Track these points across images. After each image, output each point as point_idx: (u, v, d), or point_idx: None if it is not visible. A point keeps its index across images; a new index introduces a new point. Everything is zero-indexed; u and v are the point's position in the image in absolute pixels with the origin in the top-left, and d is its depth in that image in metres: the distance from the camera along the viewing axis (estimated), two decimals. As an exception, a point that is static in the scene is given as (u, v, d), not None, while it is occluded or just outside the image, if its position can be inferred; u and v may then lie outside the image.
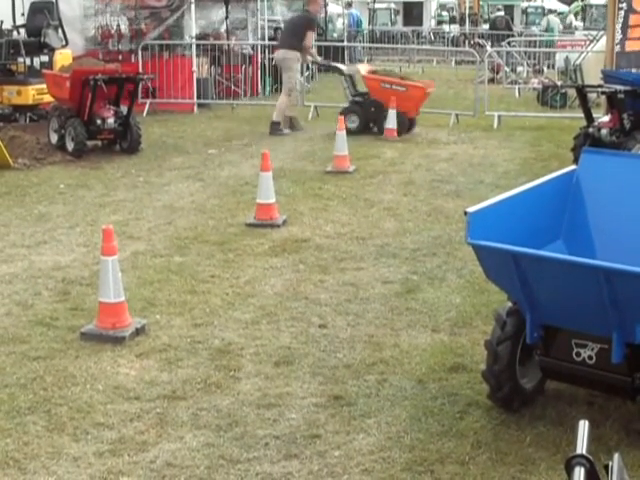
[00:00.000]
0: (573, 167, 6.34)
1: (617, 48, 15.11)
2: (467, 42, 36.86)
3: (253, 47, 23.57)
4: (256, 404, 5.77)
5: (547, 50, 27.97)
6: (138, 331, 6.92)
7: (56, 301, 7.75)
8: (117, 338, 6.80)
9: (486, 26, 42.20)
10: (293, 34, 17.31)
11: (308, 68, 24.20)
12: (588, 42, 22.58)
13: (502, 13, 38.42)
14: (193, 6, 21.08)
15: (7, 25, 18.83)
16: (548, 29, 34.05)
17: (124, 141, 15.07)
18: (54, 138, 15.03)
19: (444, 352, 6.60)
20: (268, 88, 23.55)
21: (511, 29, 35.36)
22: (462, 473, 4.96)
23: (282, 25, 28.28)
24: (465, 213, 5.28)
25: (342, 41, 33.21)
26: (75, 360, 6.48)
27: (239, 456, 5.13)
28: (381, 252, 9.13)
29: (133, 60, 21.02)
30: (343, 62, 30.42)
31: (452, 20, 47.06)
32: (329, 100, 20.90)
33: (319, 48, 27.10)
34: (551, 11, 42.22)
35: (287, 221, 10.22)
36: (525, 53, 27.64)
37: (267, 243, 9.42)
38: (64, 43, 18.98)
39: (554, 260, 5.12)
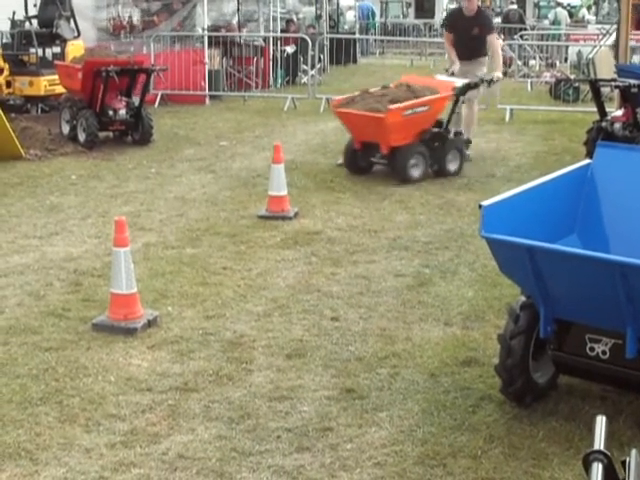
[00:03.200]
0: (587, 161, 6.31)
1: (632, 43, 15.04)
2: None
3: (265, 39, 23.54)
4: (268, 396, 5.76)
5: (559, 44, 27.88)
6: (150, 323, 6.92)
7: (68, 292, 7.75)
8: (129, 329, 6.80)
9: (498, 19, 42.09)
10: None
11: (320, 60, 24.17)
12: (601, 36, 22.48)
13: (515, 6, 38.20)
14: (205, -2, 21.10)
15: (19, 16, 18.84)
16: (555, 22, 33.90)
17: (136, 132, 15.08)
18: (66, 129, 15.05)
19: (456, 346, 6.58)
20: (280, 80, 23.51)
21: (524, 22, 35.21)
22: (475, 467, 4.95)
23: (293, 17, 28.28)
24: (479, 206, 5.25)
25: (354, 33, 33.16)
26: (87, 351, 6.48)
27: (251, 448, 5.13)
28: (393, 245, 9.11)
29: (145, 51, 21.01)
30: (355, 54, 30.50)
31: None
32: (340, 92, 20.82)
33: (331, 40, 27.15)
34: (559, 4, 42.01)
35: (299, 213, 10.21)
36: (537, 46, 27.55)
37: (279, 235, 9.41)
38: (76, 34, 19.01)
39: (569, 254, 5.09)
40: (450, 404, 5.68)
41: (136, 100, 15.04)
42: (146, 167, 13.06)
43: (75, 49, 18.04)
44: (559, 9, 36.80)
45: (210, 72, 20.89)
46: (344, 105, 12.28)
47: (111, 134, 15.30)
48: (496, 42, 13.84)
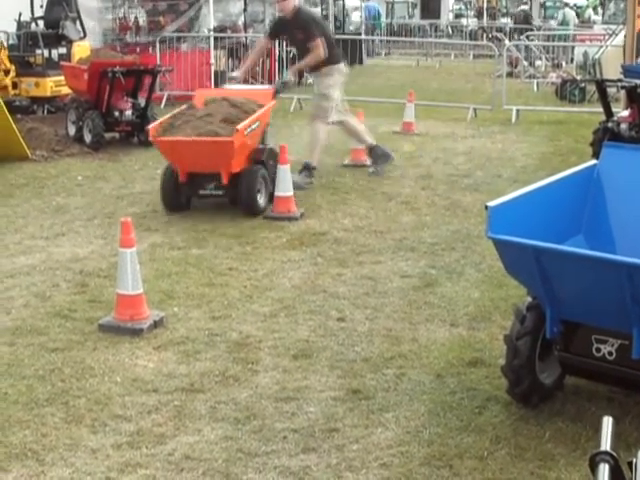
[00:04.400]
0: (594, 161, 6.30)
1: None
2: (485, 36, 36.77)
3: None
4: (274, 397, 5.76)
5: (566, 44, 27.87)
6: (156, 323, 6.92)
7: (74, 293, 7.76)
8: (135, 330, 6.80)
9: (504, 20, 42.10)
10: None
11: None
12: (607, 36, 22.45)
13: (527, 7, 38.28)
14: (211, -1, 21.11)
15: (26, 17, 18.88)
16: (564, 22, 33.89)
17: (142, 133, 15.07)
18: (72, 130, 15.07)
19: (462, 347, 6.58)
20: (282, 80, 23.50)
21: (529, 22, 35.23)
22: (481, 468, 4.94)
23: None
24: (486, 207, 5.25)
25: (359, 34, 33.16)
26: (93, 352, 6.48)
27: (257, 449, 5.12)
28: (399, 246, 9.11)
29: (151, 52, 21.03)
30: (360, 55, 30.49)
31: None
32: (346, 93, 20.80)
33: (337, 41, 27.12)
34: (567, 4, 42.03)
35: (305, 214, 10.21)
36: (544, 47, 27.54)
37: (285, 236, 9.41)
38: (82, 35, 19.05)
39: (575, 255, 5.09)
40: (456, 405, 5.67)
41: (142, 101, 15.06)
42: (152, 168, 13.05)
43: (81, 50, 18.07)
44: (567, 9, 36.78)
45: (216, 73, 20.91)
46: (164, 132, 10.17)
47: (117, 135, 15.32)
48: (319, 50, 11.65)
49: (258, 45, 12.94)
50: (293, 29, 11.87)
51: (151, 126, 10.35)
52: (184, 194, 10.41)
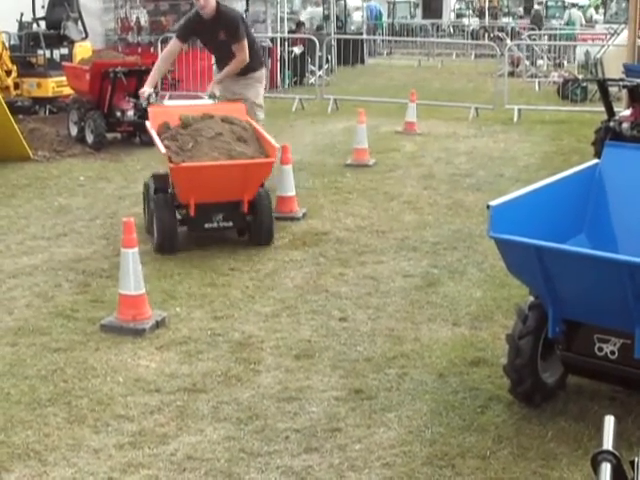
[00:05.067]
0: (596, 161, 6.30)
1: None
2: (487, 35, 36.77)
3: (272, 40, 23.55)
4: (276, 397, 5.76)
5: (567, 43, 27.89)
6: (158, 323, 6.92)
7: (76, 293, 7.76)
8: (137, 330, 6.80)
9: (506, 19, 42.11)
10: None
11: (328, 61, 24.17)
12: (609, 36, 22.45)
13: (540, 7, 38.31)
14: (213, -1, 21.07)
15: (27, 18, 18.89)
16: (569, 22, 33.90)
17: (143, 134, 15.07)
18: (74, 130, 15.08)
19: (465, 346, 6.58)
20: (287, 81, 23.52)
21: (542, 22, 35.26)
22: (483, 468, 4.94)
23: (301, 18, 28.30)
24: (488, 207, 5.25)
25: (361, 34, 33.16)
26: (95, 352, 6.49)
27: (259, 449, 5.13)
28: (401, 245, 9.11)
29: (152, 53, 21.04)
30: (362, 55, 30.49)
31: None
32: (348, 93, 20.89)
33: (338, 41, 27.14)
34: (574, 5, 42.03)
35: (307, 214, 10.20)
36: (545, 46, 27.54)
37: (287, 236, 9.40)
38: (84, 35, 19.05)
39: (577, 254, 5.08)
40: (459, 404, 5.67)
41: (144, 101, 15.05)
42: (154, 168, 12.99)
43: (83, 50, 18.08)
44: (574, 10, 36.77)
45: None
46: (181, 158, 8.62)
47: (119, 135, 15.32)
48: (244, 53, 10.35)
49: (167, 52, 10.80)
50: (215, 29, 10.31)
51: (164, 151, 8.60)
52: (190, 229, 9.14)
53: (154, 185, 9.07)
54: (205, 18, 10.22)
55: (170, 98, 11.00)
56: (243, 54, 10.35)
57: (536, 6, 41.02)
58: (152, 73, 10.53)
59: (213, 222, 8.84)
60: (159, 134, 9.07)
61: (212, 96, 10.25)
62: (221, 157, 8.69)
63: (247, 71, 10.63)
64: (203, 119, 9.20)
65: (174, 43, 10.52)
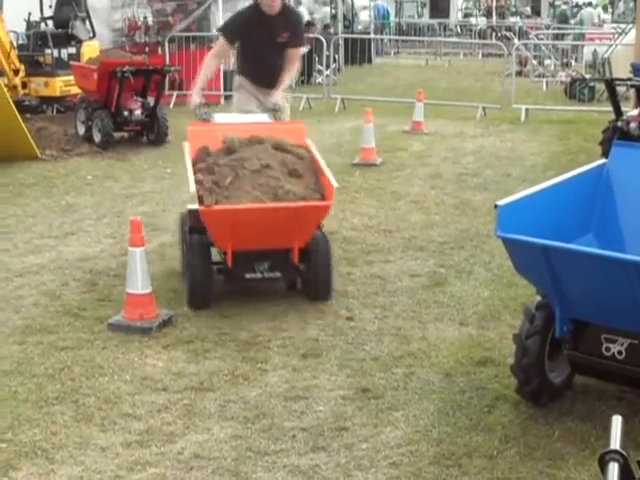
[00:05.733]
0: (603, 161, 6.29)
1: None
2: (494, 35, 36.73)
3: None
4: (283, 396, 5.76)
5: (575, 43, 27.84)
6: (165, 322, 6.93)
7: (84, 292, 7.77)
8: (144, 329, 6.81)
9: (513, 19, 42.05)
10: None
11: (335, 60, 24.16)
12: (617, 35, 22.42)
13: (566, 7, 38.24)
14: (220, -2, 21.14)
15: (35, 17, 18.91)
16: (580, 22, 33.84)
17: (151, 133, 15.12)
18: (81, 129, 15.12)
19: (472, 345, 6.58)
20: (294, 80, 23.51)
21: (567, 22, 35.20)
22: (490, 467, 4.93)
23: (310, 18, 28.26)
24: (495, 206, 5.24)
25: (368, 33, 33.13)
26: (102, 351, 6.49)
27: (266, 448, 5.13)
28: (408, 245, 9.11)
29: (160, 52, 21.06)
30: (370, 54, 30.46)
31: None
32: (355, 93, 20.88)
33: (345, 40, 27.13)
34: (589, 3, 41.99)
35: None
36: (553, 46, 27.51)
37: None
38: (91, 35, 19.07)
39: (584, 254, 5.08)
40: (465, 404, 5.67)
41: (151, 101, 15.07)
42: (161, 167, 13.08)
43: (90, 50, 18.11)
44: (589, 9, 36.64)
45: (225, 72, 20.91)
46: (212, 196, 7.01)
47: (126, 134, 15.34)
48: (297, 60, 8.88)
49: (214, 56, 8.98)
50: (278, 28, 8.50)
51: (193, 189, 7.02)
52: (226, 280, 7.61)
53: (189, 223, 7.52)
54: (268, 14, 8.47)
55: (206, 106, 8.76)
56: (295, 61, 8.86)
57: (563, 6, 40.93)
58: (198, 80, 8.74)
59: (256, 272, 7.31)
60: (195, 162, 7.43)
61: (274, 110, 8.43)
62: (264, 197, 7.08)
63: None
64: (251, 144, 7.54)
65: (222, 45, 8.80)
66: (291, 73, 8.80)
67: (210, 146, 7.61)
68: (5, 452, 5.11)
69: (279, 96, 8.51)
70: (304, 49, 9.22)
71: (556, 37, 30.06)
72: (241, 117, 8.39)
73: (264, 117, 8.37)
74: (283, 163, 7.39)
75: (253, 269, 7.29)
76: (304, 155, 7.61)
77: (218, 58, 8.95)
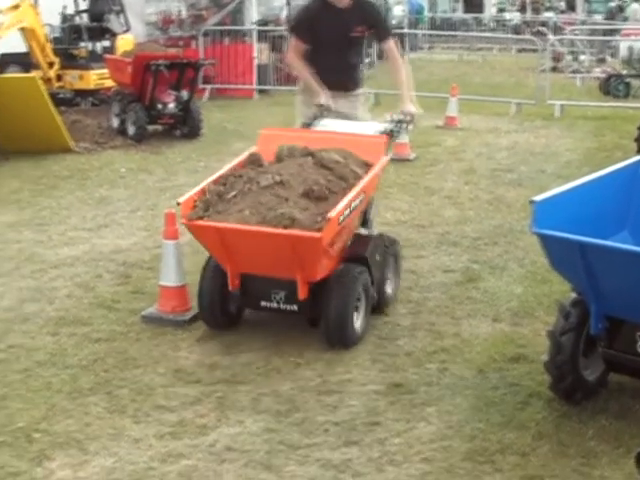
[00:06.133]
0: (639, 157, 6.24)
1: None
2: (529, 30, 36.54)
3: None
4: (316, 390, 5.76)
5: (610, 39, 27.63)
6: (198, 315, 6.93)
7: (117, 284, 7.80)
8: (177, 322, 6.83)
9: (548, 14, 41.82)
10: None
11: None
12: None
13: (614, 4, 37.90)
14: (254, -8, 21.16)
15: (70, 10, 19.00)
16: (626, 18, 33.54)
17: (184, 126, 15.15)
18: (115, 122, 15.18)
19: (505, 342, 6.54)
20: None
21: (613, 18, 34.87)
22: (523, 464, 4.91)
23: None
24: (531, 202, 5.21)
25: (402, 28, 33.03)
26: (136, 343, 6.52)
27: (299, 442, 5.13)
28: (442, 240, 9.08)
29: (194, 46, 21.10)
30: (404, 50, 30.38)
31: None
32: (389, 87, 20.79)
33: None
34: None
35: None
36: (587, 41, 27.32)
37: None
38: (126, 28, 19.13)
39: (621, 251, 5.03)
40: (499, 400, 5.64)
41: (185, 94, 15.10)
42: (195, 161, 13.11)
43: (125, 43, 18.16)
44: (635, 5, 36.28)
45: (259, 66, 20.95)
46: (206, 209, 6.46)
47: (160, 128, 15.38)
48: (396, 51, 7.93)
49: (297, 59, 7.74)
50: (348, 23, 7.62)
51: (183, 199, 6.51)
52: (232, 303, 6.83)
53: None
54: (338, 7, 7.61)
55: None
56: (397, 54, 7.94)
57: (616, 1, 40.59)
58: (311, 82, 7.59)
59: (272, 301, 6.56)
60: (237, 168, 6.89)
61: (401, 122, 7.50)
62: (252, 218, 6.20)
63: (357, 84, 8.10)
64: (296, 156, 6.81)
65: (296, 45, 7.73)
66: (402, 70, 7.89)
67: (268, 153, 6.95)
68: (39, 442, 5.15)
69: (410, 103, 7.66)
70: (394, 40, 7.85)
71: (592, 33, 29.77)
72: (349, 125, 7.52)
73: (376, 127, 7.40)
74: (308, 182, 6.42)
75: (269, 297, 6.56)
76: (347, 176, 6.59)
77: (300, 56, 7.70)
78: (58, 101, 15.81)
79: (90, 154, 13.64)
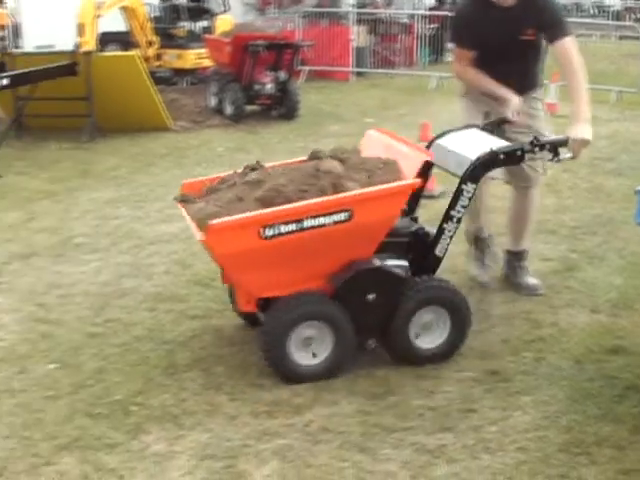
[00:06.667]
0: None
1: None
2: (631, 16, 35.84)
3: (412, 16, 23.40)
4: (412, 374, 5.72)
5: None
6: (293, 296, 6.94)
7: (213, 262, 7.84)
8: (273, 301, 6.81)
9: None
10: None
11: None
12: None
13: None
14: (353, -25, 21.12)
15: (171, -10, 19.23)
16: None
17: (281, 107, 15.21)
18: (213, 102, 15.31)
19: (603, 333, 6.44)
20: (426, 59, 23.37)
21: None
22: (619, 458, 4.82)
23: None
24: (636, 192, 5.12)
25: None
26: (231, 321, 6.55)
27: (394, 425, 5.11)
28: (540, 228, 8.93)
29: (291, 27, 21.17)
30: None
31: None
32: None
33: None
34: None
35: (445, 192, 10.09)
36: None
37: (426, 214, 9.28)
38: (224, 9, 19.26)
39: None
40: (595, 392, 5.55)
41: (283, 75, 15.16)
42: (292, 141, 13.15)
43: (223, 23, 18.29)
44: None
45: (356, 49, 20.93)
46: (187, 197, 5.93)
47: (257, 108, 15.46)
48: (573, 53, 6.68)
49: (467, 69, 6.82)
50: (517, 22, 6.61)
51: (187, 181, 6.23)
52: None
53: None
54: (502, 6, 6.60)
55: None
56: (574, 56, 6.70)
57: None
58: (495, 89, 6.76)
59: None
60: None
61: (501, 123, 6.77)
62: (205, 209, 5.53)
63: (534, 85, 7.33)
64: (349, 155, 6.27)
65: (463, 55, 6.81)
66: (579, 78, 6.80)
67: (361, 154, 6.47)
68: (136, 415, 5.22)
69: (582, 126, 6.80)
70: (571, 38, 6.58)
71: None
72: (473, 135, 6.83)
73: (499, 143, 6.26)
74: (295, 184, 5.74)
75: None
76: (326, 189, 5.61)
77: (470, 64, 6.78)
78: (156, 80, 15.95)
79: (187, 132, 13.78)
